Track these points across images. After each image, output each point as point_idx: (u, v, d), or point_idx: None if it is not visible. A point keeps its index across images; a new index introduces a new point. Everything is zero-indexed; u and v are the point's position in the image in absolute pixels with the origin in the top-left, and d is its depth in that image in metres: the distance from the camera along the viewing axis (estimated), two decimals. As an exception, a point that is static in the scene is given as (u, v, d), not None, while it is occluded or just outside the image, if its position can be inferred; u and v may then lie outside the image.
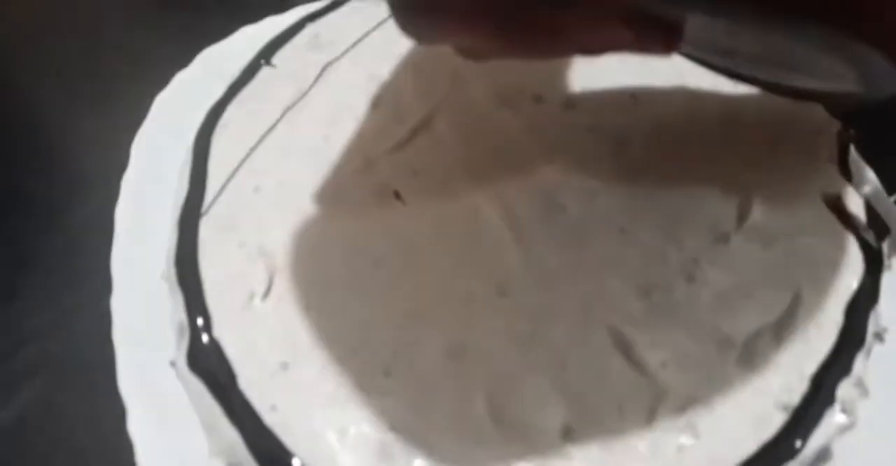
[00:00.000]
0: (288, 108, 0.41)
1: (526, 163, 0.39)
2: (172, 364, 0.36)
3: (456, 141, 0.40)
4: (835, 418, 0.33)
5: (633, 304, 0.35)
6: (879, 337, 0.35)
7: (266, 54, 0.44)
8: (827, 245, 0.37)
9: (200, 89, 0.44)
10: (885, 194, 0.42)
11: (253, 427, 0.33)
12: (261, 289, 0.36)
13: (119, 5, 0.55)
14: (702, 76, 0.42)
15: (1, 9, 0.55)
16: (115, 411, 0.37)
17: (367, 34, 0.44)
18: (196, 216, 0.38)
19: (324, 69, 0.43)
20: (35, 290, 0.44)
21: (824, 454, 0.35)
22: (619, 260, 0.36)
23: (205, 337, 0.35)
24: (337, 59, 0.43)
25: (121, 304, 0.40)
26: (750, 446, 0.32)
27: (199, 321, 0.35)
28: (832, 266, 0.36)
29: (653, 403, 0.33)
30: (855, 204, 0.38)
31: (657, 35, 0.28)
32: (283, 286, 0.36)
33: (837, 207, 0.38)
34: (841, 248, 0.37)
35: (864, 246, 0.37)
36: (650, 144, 0.40)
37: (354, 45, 0.44)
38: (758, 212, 0.38)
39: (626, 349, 0.34)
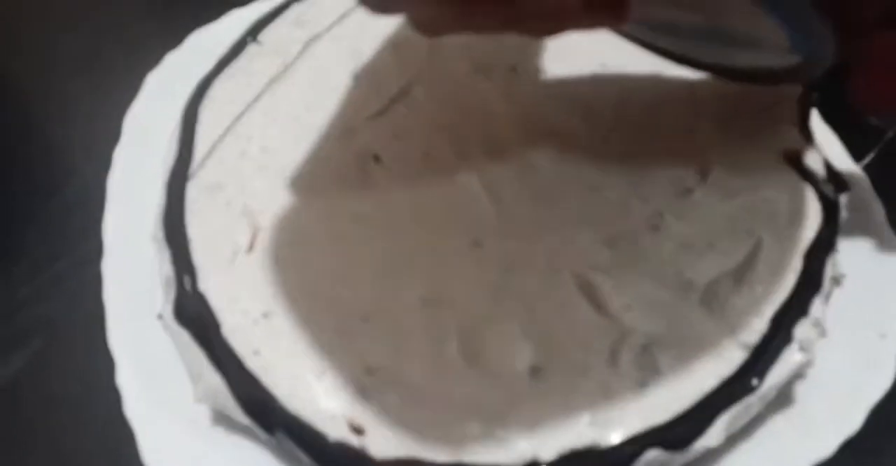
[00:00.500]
0: (272, 80, 0.43)
1: (501, 128, 0.41)
2: (160, 316, 0.37)
3: (433, 107, 0.42)
4: (793, 356, 0.34)
5: (599, 253, 0.37)
6: (837, 281, 0.37)
7: (253, 32, 0.46)
8: (786, 197, 0.38)
9: (191, 69, 0.46)
10: (849, 158, 0.44)
11: (236, 372, 0.35)
12: (244, 245, 0.38)
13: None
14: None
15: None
16: (106, 366, 0.38)
17: (349, 12, 0.46)
18: (184, 178, 0.40)
19: (307, 45, 0.45)
20: (30, 257, 0.45)
21: (785, 397, 0.37)
22: (587, 214, 0.38)
23: (190, 289, 0.37)
24: (320, 35, 0.45)
25: (111, 266, 0.41)
26: (710, 382, 0.34)
27: (186, 274, 0.37)
28: (791, 216, 0.38)
29: (616, 344, 0.35)
30: (814, 160, 0.39)
31: (606, 3, 0.29)
32: (266, 241, 0.38)
33: (797, 163, 0.39)
34: (800, 200, 0.38)
35: (823, 198, 0.38)
36: (619, 108, 0.42)
37: (337, 21, 0.45)
38: (720, 169, 0.39)
39: (591, 294, 0.36)
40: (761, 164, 0.39)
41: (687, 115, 0.41)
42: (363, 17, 0.46)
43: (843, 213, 0.38)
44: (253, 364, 0.35)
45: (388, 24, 0.45)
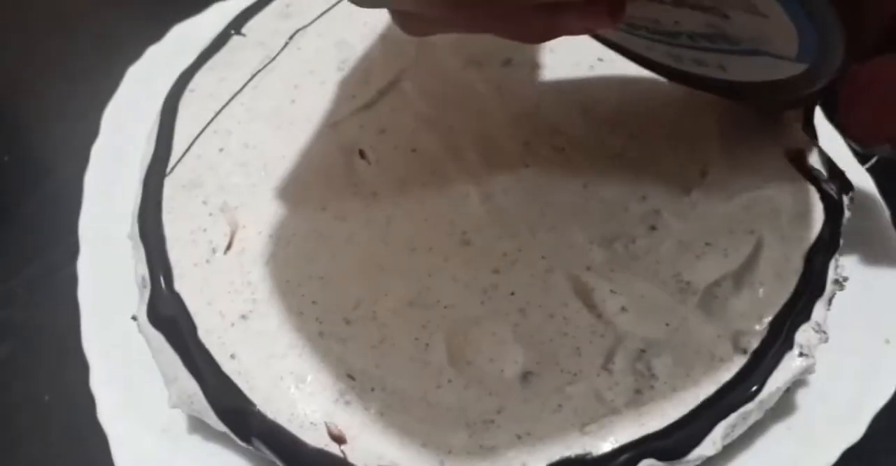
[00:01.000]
0: (255, 73, 0.42)
1: (493, 123, 0.40)
2: (134, 318, 0.36)
3: (423, 102, 0.40)
4: (794, 362, 0.33)
5: (594, 253, 0.35)
6: (840, 284, 0.35)
7: (236, 24, 0.44)
8: (788, 196, 0.37)
9: (172, 62, 0.44)
10: (854, 160, 0.42)
11: (211, 376, 0.33)
12: (222, 244, 0.36)
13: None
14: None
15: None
16: (80, 370, 0.37)
17: (335, 3, 0.44)
18: (161, 175, 0.38)
19: (292, 36, 0.43)
20: (3, 258, 0.44)
21: (786, 405, 0.35)
22: (582, 212, 0.36)
23: (165, 290, 0.35)
24: (305, 26, 0.43)
25: (87, 266, 0.40)
26: (708, 388, 0.32)
27: (161, 274, 0.35)
28: (794, 216, 0.36)
29: (611, 347, 0.33)
30: (817, 159, 0.38)
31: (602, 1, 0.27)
32: (245, 240, 0.36)
33: (800, 162, 0.38)
34: (802, 200, 0.37)
35: (825, 198, 0.37)
36: (615, 104, 0.40)
37: (323, 13, 0.44)
38: (720, 167, 0.38)
39: (585, 296, 0.34)
40: (763, 163, 0.38)
41: (688, 109, 0.39)
42: (350, 8, 0.44)
43: (847, 214, 0.37)
44: (229, 368, 0.33)
45: (376, 16, 0.43)
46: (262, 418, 0.32)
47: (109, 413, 0.36)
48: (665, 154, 0.38)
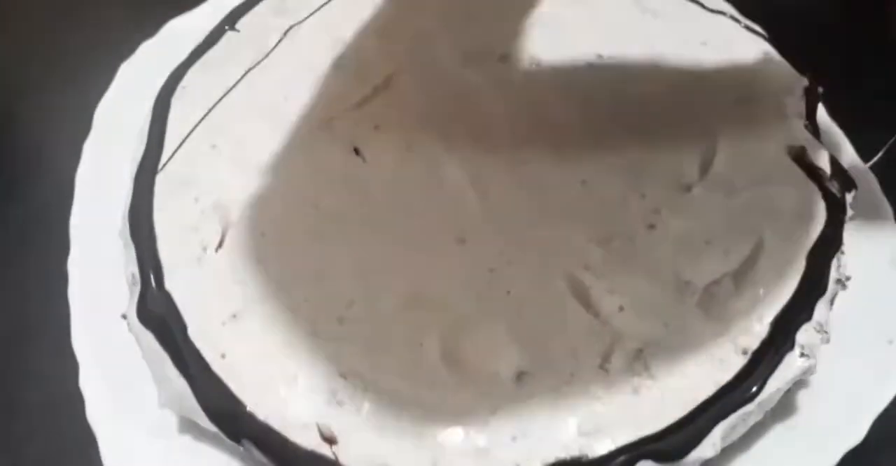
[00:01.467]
0: (249, 70, 0.41)
1: (489, 119, 0.39)
2: (124, 316, 0.35)
3: (418, 97, 0.40)
4: (795, 362, 0.32)
5: (592, 252, 0.35)
6: (842, 283, 0.35)
7: (230, 20, 0.44)
8: (790, 195, 0.36)
9: (165, 58, 0.44)
10: (857, 158, 0.42)
11: (202, 376, 0.33)
12: (214, 242, 0.36)
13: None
14: (667, 35, 0.41)
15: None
16: (70, 369, 0.36)
17: (331, -1, 0.44)
18: (152, 172, 0.38)
19: (286, 32, 0.42)
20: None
21: (787, 406, 0.35)
22: (580, 211, 0.36)
23: (156, 288, 0.35)
24: (300, 22, 0.43)
25: (77, 264, 0.39)
26: (707, 389, 0.32)
27: (151, 272, 0.35)
28: (795, 215, 0.36)
29: (608, 347, 0.33)
30: (820, 157, 0.37)
31: None
32: (237, 238, 0.36)
33: (802, 160, 0.37)
34: (804, 198, 0.36)
35: (828, 196, 0.36)
36: (615, 100, 0.39)
37: (318, 9, 0.43)
38: (721, 163, 0.37)
39: (582, 295, 0.34)
40: (765, 160, 0.37)
41: (688, 106, 0.39)
42: (346, 4, 0.44)
43: (849, 213, 0.36)
44: (220, 368, 0.33)
45: (372, 12, 0.43)
46: (252, 419, 0.32)
47: (99, 413, 0.35)
48: (664, 151, 0.38)
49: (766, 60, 0.41)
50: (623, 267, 0.34)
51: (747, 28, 0.42)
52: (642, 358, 0.32)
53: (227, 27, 0.43)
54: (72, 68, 0.49)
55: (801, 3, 0.49)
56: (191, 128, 0.39)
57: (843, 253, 0.35)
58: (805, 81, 0.40)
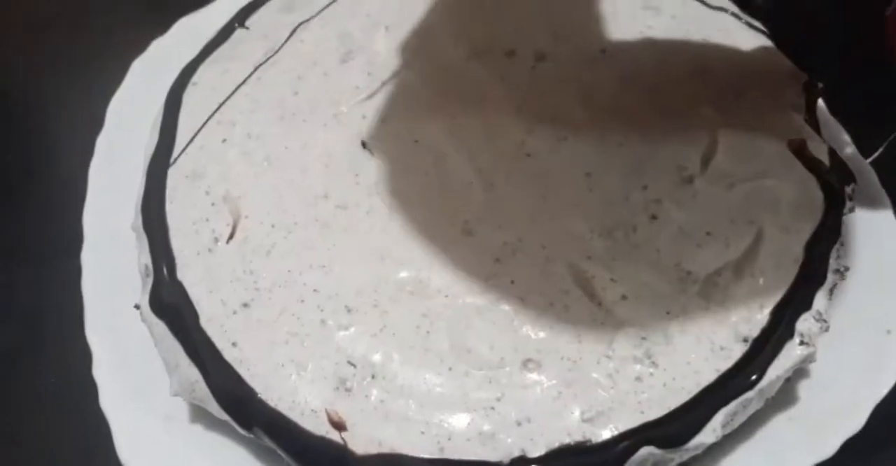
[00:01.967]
0: (258, 65, 0.42)
1: (495, 112, 0.40)
2: (137, 306, 0.36)
3: (426, 91, 0.40)
4: (794, 350, 0.33)
5: (594, 242, 0.35)
6: (841, 274, 0.35)
7: (240, 17, 0.44)
8: (790, 186, 0.37)
9: (177, 55, 0.44)
10: (858, 154, 0.42)
11: (213, 364, 0.33)
12: (225, 233, 0.36)
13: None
14: (669, 31, 0.42)
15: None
16: (83, 358, 0.37)
17: (340, -4, 0.44)
18: (165, 165, 0.38)
19: (295, 29, 0.43)
20: (8, 248, 0.44)
21: (787, 395, 0.35)
22: (583, 202, 0.36)
23: (168, 278, 0.35)
24: (308, 19, 0.44)
25: (90, 256, 0.40)
26: (709, 376, 0.32)
27: (164, 263, 0.36)
28: (795, 206, 0.36)
29: (611, 335, 0.33)
30: (819, 150, 0.38)
31: None
32: (247, 230, 0.36)
33: (802, 153, 0.38)
34: (803, 190, 0.37)
35: (826, 188, 0.36)
36: (618, 95, 0.40)
37: (327, 6, 0.44)
38: (722, 156, 0.38)
39: (585, 285, 0.34)
40: (765, 153, 0.38)
41: (690, 99, 0.39)
42: (352, 0, 0.44)
43: (849, 204, 0.36)
44: (231, 356, 0.33)
45: (379, 8, 0.44)
46: (263, 405, 0.32)
47: (112, 402, 0.36)
48: (666, 143, 0.38)
49: (767, 56, 0.41)
50: (625, 257, 0.35)
51: (748, 24, 0.42)
52: (645, 345, 0.33)
53: (237, 24, 0.44)
54: (85, 65, 0.50)
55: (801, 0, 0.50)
56: (202, 122, 0.40)
57: (842, 244, 0.36)
58: (805, 76, 0.41)
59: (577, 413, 0.32)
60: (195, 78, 0.42)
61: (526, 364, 0.33)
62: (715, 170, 0.37)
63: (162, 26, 0.47)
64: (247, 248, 0.36)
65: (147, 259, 0.36)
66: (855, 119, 0.44)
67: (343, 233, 0.36)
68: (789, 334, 0.33)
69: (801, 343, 0.33)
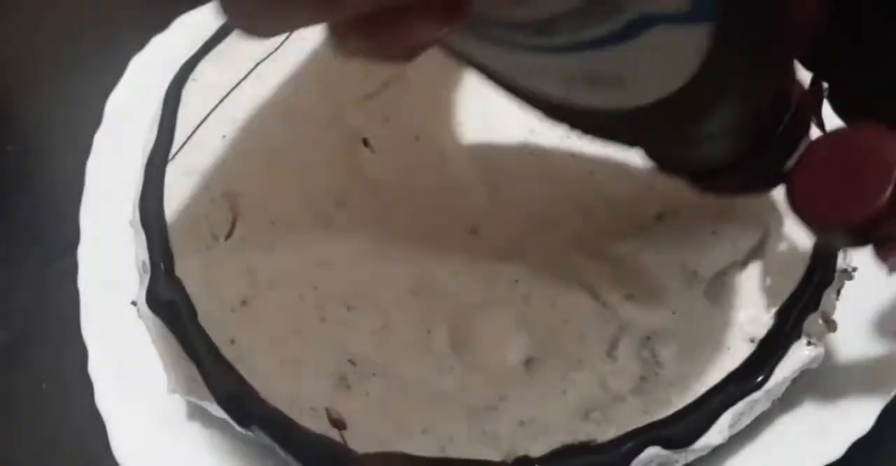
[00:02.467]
0: (259, 62, 0.41)
1: (497, 110, 0.39)
2: (134, 303, 0.35)
3: (428, 89, 0.40)
4: (801, 351, 0.33)
5: (600, 241, 0.35)
6: (848, 274, 0.35)
7: (241, 14, 0.44)
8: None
9: (176, 52, 0.44)
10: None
11: (211, 362, 0.33)
12: (224, 230, 0.36)
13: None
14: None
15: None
16: (78, 355, 0.37)
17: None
18: (163, 162, 0.38)
19: (297, 26, 0.43)
20: (4, 245, 0.44)
21: (794, 396, 0.35)
22: (589, 200, 0.36)
23: (165, 275, 0.35)
24: (310, 16, 0.43)
25: (87, 253, 0.39)
26: (714, 376, 0.32)
27: (161, 259, 0.35)
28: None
29: (615, 334, 0.33)
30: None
31: None
32: (246, 227, 0.36)
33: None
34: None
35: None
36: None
37: (328, 3, 0.44)
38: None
39: (590, 284, 0.34)
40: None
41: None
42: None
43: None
44: (229, 353, 0.33)
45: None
46: (261, 404, 0.32)
47: (108, 400, 0.35)
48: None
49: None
50: (631, 256, 0.34)
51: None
52: (650, 345, 0.32)
53: (237, 21, 0.43)
54: (83, 61, 0.49)
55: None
56: (201, 118, 0.39)
57: (849, 244, 0.35)
58: (809, 76, 0.40)
59: (581, 413, 0.31)
60: (195, 74, 0.41)
61: (529, 363, 0.32)
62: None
63: (162, 23, 0.47)
64: (246, 245, 0.35)
65: (144, 255, 0.36)
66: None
67: (343, 230, 0.36)
68: (796, 335, 0.33)
69: (809, 343, 0.33)
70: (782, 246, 0.34)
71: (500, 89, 0.26)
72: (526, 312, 0.33)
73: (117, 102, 0.44)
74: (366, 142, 0.38)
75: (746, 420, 0.33)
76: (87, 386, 0.36)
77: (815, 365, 0.33)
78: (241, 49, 0.42)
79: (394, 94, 0.40)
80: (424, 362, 0.32)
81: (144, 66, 0.46)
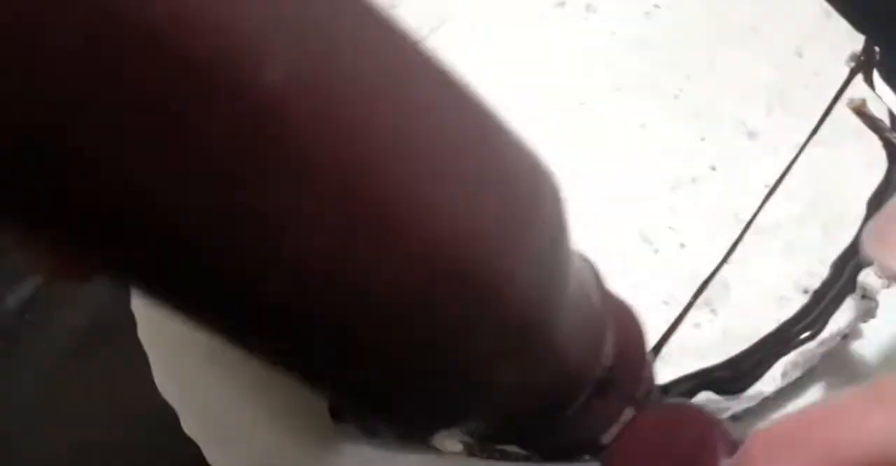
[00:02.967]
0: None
1: (545, 62, 0.39)
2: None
3: (474, 41, 0.39)
4: (856, 303, 0.32)
5: (652, 191, 0.35)
6: (905, 230, 0.34)
7: None
8: (851, 145, 0.36)
9: None
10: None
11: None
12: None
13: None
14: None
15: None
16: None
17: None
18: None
19: None
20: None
21: (841, 355, 0.34)
22: (639, 152, 0.36)
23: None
24: None
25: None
26: (769, 325, 0.31)
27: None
28: (856, 163, 0.35)
29: (670, 282, 0.32)
30: (880, 109, 0.37)
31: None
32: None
33: (862, 112, 0.37)
34: (865, 148, 0.36)
35: (888, 146, 0.36)
36: (673, 47, 0.39)
37: None
38: (782, 112, 0.37)
39: (642, 231, 0.34)
40: (825, 111, 0.37)
41: (747, 53, 0.39)
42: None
43: (911, 161, 0.36)
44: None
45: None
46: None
47: (150, 335, 0.35)
48: (721, 97, 0.37)
49: (825, 18, 0.40)
50: (684, 206, 0.34)
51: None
52: (705, 293, 0.32)
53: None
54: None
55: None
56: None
57: (903, 199, 0.35)
58: (862, 39, 0.40)
59: (634, 357, 0.31)
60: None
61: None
62: (775, 126, 0.36)
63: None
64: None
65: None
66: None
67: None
68: (851, 288, 0.32)
69: (863, 297, 0.32)
70: (836, 201, 0.34)
71: None
72: (575, 257, 0.33)
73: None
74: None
75: (796, 374, 0.32)
76: (131, 322, 0.35)
77: (867, 319, 0.33)
78: None
79: (440, 45, 0.39)
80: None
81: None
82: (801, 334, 0.31)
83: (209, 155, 0.13)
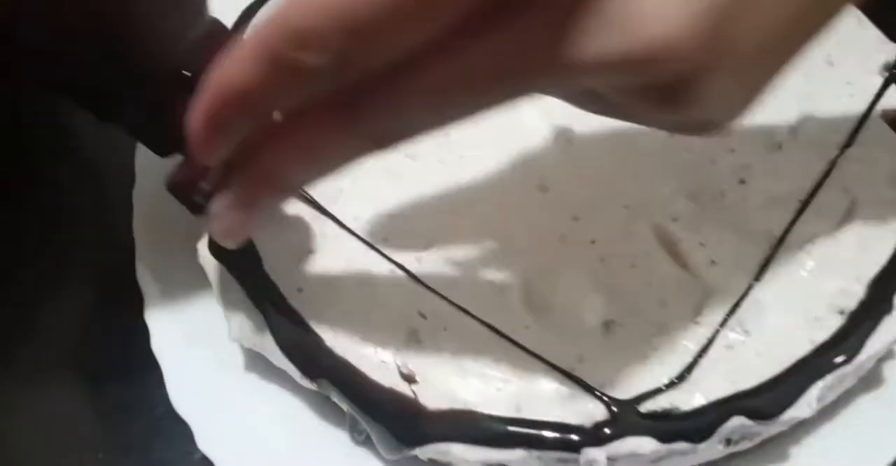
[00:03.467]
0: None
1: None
2: (196, 250, 0.34)
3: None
4: (892, 325, 0.31)
5: (679, 204, 0.34)
6: (944, 247, 0.33)
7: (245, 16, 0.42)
8: (885, 156, 0.35)
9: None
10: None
11: (277, 310, 0.32)
12: (291, 176, 0.34)
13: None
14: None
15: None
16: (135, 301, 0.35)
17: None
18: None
19: None
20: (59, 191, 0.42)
21: (875, 376, 0.33)
22: (667, 161, 0.35)
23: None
24: None
25: (142, 193, 0.38)
26: (804, 347, 0.30)
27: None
28: (889, 177, 0.35)
29: (699, 300, 0.31)
30: (915, 121, 0.36)
31: None
32: (314, 174, 0.34)
33: (895, 121, 0.36)
34: (899, 159, 0.35)
35: (924, 160, 0.35)
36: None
37: None
38: (812, 123, 0.36)
39: (671, 246, 0.33)
40: (857, 122, 0.36)
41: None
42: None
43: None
44: (296, 302, 0.31)
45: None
46: (329, 355, 0.30)
47: (163, 345, 0.34)
48: (753, 108, 0.36)
49: (857, 25, 0.39)
50: (713, 221, 0.33)
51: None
52: (736, 313, 0.31)
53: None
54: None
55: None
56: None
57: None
58: (893, 45, 0.39)
59: (664, 380, 0.30)
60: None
61: (608, 325, 0.31)
62: (805, 138, 0.36)
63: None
64: (314, 193, 0.34)
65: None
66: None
67: (412, 183, 0.34)
68: (887, 307, 0.31)
69: (901, 318, 0.31)
70: (870, 217, 0.33)
71: None
72: (602, 273, 0.32)
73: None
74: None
75: (832, 396, 0.31)
76: (144, 330, 0.34)
77: (905, 342, 0.32)
78: None
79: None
80: (497, 319, 0.31)
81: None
82: (836, 357, 0.30)
83: None
